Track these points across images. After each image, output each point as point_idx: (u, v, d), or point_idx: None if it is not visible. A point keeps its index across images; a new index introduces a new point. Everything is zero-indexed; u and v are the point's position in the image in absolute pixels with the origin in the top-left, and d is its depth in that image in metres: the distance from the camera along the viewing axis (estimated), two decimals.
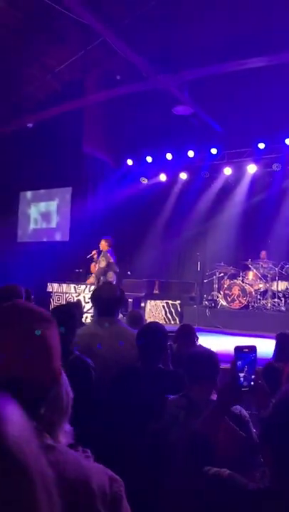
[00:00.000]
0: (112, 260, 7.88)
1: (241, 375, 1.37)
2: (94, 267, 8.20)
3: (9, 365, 0.86)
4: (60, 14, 8.04)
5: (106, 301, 2.79)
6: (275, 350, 3.52)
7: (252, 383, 1.38)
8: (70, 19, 7.98)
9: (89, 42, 9.28)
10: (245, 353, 1.39)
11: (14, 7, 8.37)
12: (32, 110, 10.73)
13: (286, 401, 1.07)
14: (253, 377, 1.39)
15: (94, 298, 2.92)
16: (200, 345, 2.11)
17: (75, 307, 3.65)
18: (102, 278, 7.88)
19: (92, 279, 8.07)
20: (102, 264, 7.82)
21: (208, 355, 1.96)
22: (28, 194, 12.73)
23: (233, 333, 8.11)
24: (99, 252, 8.23)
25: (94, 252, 8.33)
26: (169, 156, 10.89)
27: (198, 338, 3.65)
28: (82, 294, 9.37)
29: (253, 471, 1.21)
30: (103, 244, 8.12)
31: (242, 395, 1.39)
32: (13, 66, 10.14)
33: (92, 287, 8.98)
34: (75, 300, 9.23)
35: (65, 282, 9.73)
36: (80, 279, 10.19)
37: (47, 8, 8.15)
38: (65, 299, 9.50)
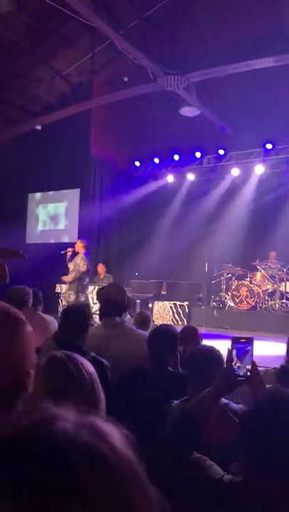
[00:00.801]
0: (88, 265, 7.77)
1: (237, 364, 1.40)
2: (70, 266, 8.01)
3: None
4: (68, 18, 8.12)
5: (114, 302, 2.81)
6: (287, 354, 3.51)
7: (248, 373, 1.41)
8: (78, 22, 8.06)
9: (97, 44, 9.35)
10: (242, 343, 1.42)
11: (23, 11, 8.45)
12: (41, 113, 10.83)
13: (269, 401, 1.11)
14: (249, 367, 1.41)
15: (101, 299, 2.92)
16: (203, 346, 2.10)
17: (88, 308, 3.69)
18: (79, 282, 7.72)
19: (69, 278, 7.86)
20: (83, 267, 7.62)
21: (211, 360, 1.92)
22: (37, 196, 12.81)
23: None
24: (74, 253, 8.05)
25: (69, 249, 8.13)
26: (176, 157, 10.91)
27: (202, 340, 3.65)
28: (89, 294, 9.40)
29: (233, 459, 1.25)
30: (79, 246, 7.79)
31: (237, 384, 1.41)
32: (22, 69, 10.25)
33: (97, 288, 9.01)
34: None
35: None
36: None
37: (55, 12, 8.23)
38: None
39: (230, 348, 1.42)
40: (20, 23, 8.94)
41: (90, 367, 1.23)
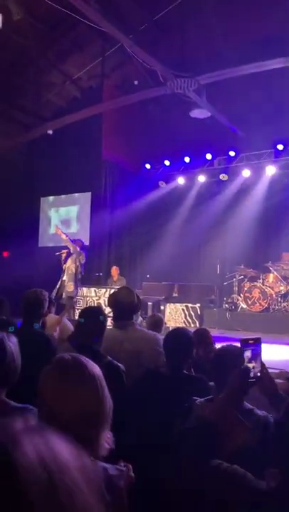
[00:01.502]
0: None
1: (248, 366, 1.40)
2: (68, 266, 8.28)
3: None
4: (78, 23, 8.19)
5: (124, 305, 2.83)
6: None
7: (258, 374, 1.41)
8: (88, 27, 8.13)
9: (107, 48, 9.42)
10: (251, 344, 1.42)
11: (34, 17, 8.56)
12: (52, 117, 10.93)
13: None
14: (259, 368, 1.41)
15: (112, 302, 2.95)
16: (228, 345, 2.09)
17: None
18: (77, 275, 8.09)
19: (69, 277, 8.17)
20: (83, 260, 8.17)
21: (236, 360, 1.92)
22: (49, 199, 12.94)
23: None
24: (68, 254, 8.34)
25: (64, 251, 8.42)
26: (187, 159, 10.92)
27: (214, 342, 3.64)
28: (102, 297, 9.45)
29: (261, 466, 1.23)
30: (75, 246, 8.27)
31: (249, 385, 1.41)
32: (33, 74, 10.37)
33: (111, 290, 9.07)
34: (95, 303, 9.33)
35: (85, 286, 9.84)
36: (100, 282, 10.29)
37: (65, 18, 8.32)
38: (86, 303, 9.61)
39: (239, 352, 1.42)
40: (31, 29, 9.06)
41: (95, 369, 1.24)
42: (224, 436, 1.33)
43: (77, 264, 8.14)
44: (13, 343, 1.67)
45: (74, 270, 8.07)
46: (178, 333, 2.54)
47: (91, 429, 1.13)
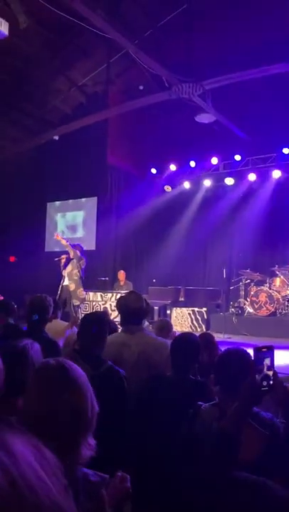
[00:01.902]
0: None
1: (261, 374, 1.39)
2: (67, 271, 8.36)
3: None
4: (83, 29, 8.26)
5: (132, 309, 2.84)
6: None
7: (271, 382, 1.39)
8: (93, 34, 8.19)
9: (112, 54, 9.48)
10: (264, 353, 1.41)
11: (41, 25, 8.65)
12: (58, 123, 11.01)
13: None
14: (271, 376, 1.40)
15: (120, 307, 2.96)
16: (233, 348, 2.08)
17: (106, 316, 3.73)
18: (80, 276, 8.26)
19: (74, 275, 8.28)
20: (83, 264, 8.23)
21: (241, 363, 1.86)
22: (55, 204, 13.00)
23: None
24: (68, 260, 8.40)
25: (63, 256, 8.48)
26: (192, 164, 10.94)
27: (218, 347, 3.64)
28: (108, 301, 9.46)
29: (276, 473, 1.23)
30: (75, 251, 8.38)
31: (262, 394, 1.40)
32: (40, 81, 10.45)
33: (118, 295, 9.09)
34: (101, 308, 9.34)
35: (91, 290, 9.86)
36: (106, 287, 10.30)
37: (71, 25, 8.39)
38: (92, 307, 9.62)
39: (252, 358, 1.42)
40: (38, 36, 9.15)
41: (78, 373, 1.23)
42: (241, 446, 1.33)
43: (79, 269, 8.20)
44: (36, 350, 1.65)
45: (79, 275, 8.13)
46: (185, 338, 2.55)
47: (72, 433, 1.12)
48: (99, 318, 2.57)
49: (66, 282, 8.15)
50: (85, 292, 8.28)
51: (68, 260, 8.39)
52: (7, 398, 1.43)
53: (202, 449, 1.70)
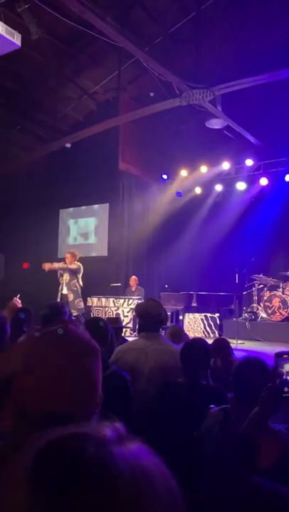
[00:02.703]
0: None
1: (281, 380, 1.39)
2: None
3: (53, 398, 0.84)
4: (94, 38, 8.36)
5: (154, 316, 2.89)
6: None
7: None
8: (103, 42, 8.29)
9: (122, 62, 9.57)
10: (285, 359, 1.41)
11: (52, 35, 8.78)
12: (70, 131, 11.13)
13: None
14: None
15: (140, 313, 3.01)
16: (250, 356, 2.07)
17: (113, 322, 3.75)
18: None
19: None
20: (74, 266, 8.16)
21: (260, 375, 1.83)
22: (68, 211, 13.12)
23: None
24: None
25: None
26: (203, 169, 10.94)
27: (233, 352, 3.63)
28: (120, 307, 9.49)
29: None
30: (70, 259, 8.26)
31: (282, 401, 1.40)
32: (51, 89, 10.60)
33: (134, 302, 9.12)
34: (114, 314, 9.36)
35: (104, 296, 9.90)
36: (118, 292, 10.33)
37: (82, 34, 8.51)
38: (105, 313, 9.65)
39: (273, 364, 1.42)
40: (49, 46, 9.29)
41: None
42: (260, 451, 1.33)
43: (78, 280, 8.13)
44: None
45: (78, 286, 8.08)
46: (194, 344, 2.57)
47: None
48: (100, 323, 2.61)
49: (65, 291, 8.10)
50: (83, 303, 8.25)
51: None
52: None
53: (205, 448, 1.70)
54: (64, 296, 8.04)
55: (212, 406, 1.92)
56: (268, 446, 1.44)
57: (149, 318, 2.91)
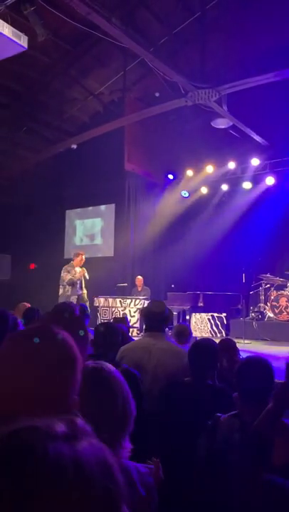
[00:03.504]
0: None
1: None
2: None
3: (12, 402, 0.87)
4: (99, 39, 8.39)
5: (155, 315, 2.93)
6: None
7: None
8: (109, 43, 8.31)
9: (128, 63, 9.59)
10: None
11: (58, 37, 8.82)
12: (76, 132, 11.17)
13: None
14: None
15: (144, 314, 3.08)
16: (253, 357, 2.07)
17: (120, 322, 3.77)
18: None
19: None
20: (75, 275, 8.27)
21: (262, 373, 1.86)
22: (74, 212, 13.15)
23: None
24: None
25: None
26: (209, 169, 10.93)
27: (239, 353, 3.63)
28: (127, 307, 9.51)
29: None
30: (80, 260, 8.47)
31: None
32: (57, 91, 10.64)
33: (141, 302, 9.15)
34: (121, 314, 9.38)
35: (110, 296, 9.92)
36: (125, 293, 10.35)
37: (87, 34, 8.53)
38: (112, 313, 9.67)
39: (288, 361, 1.42)
40: (54, 47, 9.33)
41: (114, 377, 1.30)
42: (273, 448, 1.33)
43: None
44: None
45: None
46: (203, 344, 2.57)
47: (117, 429, 1.18)
48: (110, 326, 2.68)
49: (83, 291, 8.33)
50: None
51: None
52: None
53: (224, 461, 1.69)
54: (82, 296, 8.22)
55: (219, 414, 1.91)
56: (281, 443, 1.44)
57: (152, 317, 2.97)
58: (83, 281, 8.35)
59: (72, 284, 8.15)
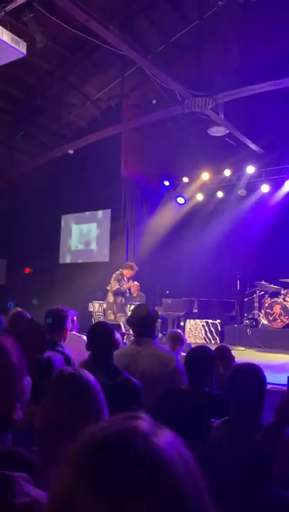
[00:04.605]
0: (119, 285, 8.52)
1: None
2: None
3: None
4: (97, 46, 8.45)
5: (137, 320, 2.92)
6: None
7: None
8: (107, 49, 8.38)
9: (126, 69, 9.67)
10: None
11: (57, 43, 8.87)
12: (73, 137, 11.21)
13: None
14: None
15: (130, 321, 3.06)
16: (244, 364, 2.09)
17: (116, 330, 3.77)
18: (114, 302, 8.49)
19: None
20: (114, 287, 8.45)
21: (253, 380, 1.89)
22: (70, 217, 13.16)
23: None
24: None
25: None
26: (205, 176, 10.99)
27: (234, 360, 3.64)
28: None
29: None
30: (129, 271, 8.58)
31: None
32: (55, 96, 10.69)
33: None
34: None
35: (105, 302, 9.90)
36: None
37: (86, 41, 8.60)
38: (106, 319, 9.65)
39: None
40: (53, 53, 9.38)
41: (89, 384, 1.30)
42: (275, 461, 1.34)
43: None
44: (58, 361, 1.69)
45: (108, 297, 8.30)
46: (199, 351, 2.58)
47: None
48: (103, 329, 2.65)
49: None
50: (113, 316, 8.48)
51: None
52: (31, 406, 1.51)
53: (213, 464, 1.71)
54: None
55: (213, 420, 1.93)
56: (283, 456, 1.44)
57: (137, 323, 2.94)
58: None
59: (118, 293, 8.21)
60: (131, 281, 8.42)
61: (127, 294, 8.26)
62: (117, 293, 8.12)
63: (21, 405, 1.26)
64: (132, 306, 9.32)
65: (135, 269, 8.54)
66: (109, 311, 8.22)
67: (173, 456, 0.50)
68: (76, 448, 0.52)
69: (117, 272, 8.49)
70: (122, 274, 8.38)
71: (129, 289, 8.39)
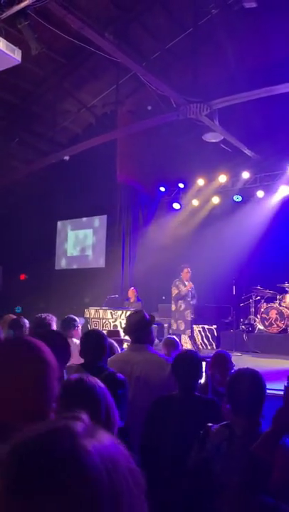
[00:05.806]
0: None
1: None
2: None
3: None
4: (93, 53, 8.49)
5: (135, 329, 2.93)
6: None
7: None
8: (102, 56, 8.42)
9: (121, 76, 9.71)
10: None
11: (52, 50, 8.91)
12: (68, 144, 11.23)
13: None
14: None
15: (126, 327, 3.09)
16: (244, 369, 2.09)
17: (114, 336, 3.77)
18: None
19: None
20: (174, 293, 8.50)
21: (252, 385, 1.88)
22: (66, 223, 13.16)
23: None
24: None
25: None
26: (200, 182, 11.03)
27: (234, 366, 3.62)
28: (118, 319, 9.48)
29: None
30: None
31: None
32: (50, 103, 10.72)
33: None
34: (111, 325, 9.36)
35: (101, 308, 9.89)
36: (116, 304, 10.33)
37: (81, 48, 8.63)
38: (102, 325, 9.64)
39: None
40: (48, 60, 9.42)
41: (96, 388, 1.33)
42: (272, 471, 1.33)
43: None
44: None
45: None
46: (186, 356, 2.60)
47: None
48: (96, 334, 2.71)
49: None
50: (176, 324, 8.49)
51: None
52: None
53: (213, 468, 1.70)
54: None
55: (210, 424, 1.92)
56: (280, 465, 1.43)
57: (132, 330, 2.95)
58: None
59: (180, 298, 8.21)
60: (189, 282, 8.47)
61: (188, 298, 8.30)
62: (178, 299, 8.23)
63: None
64: (129, 313, 9.33)
65: (186, 268, 8.60)
66: (172, 321, 8.33)
67: (97, 461, 0.49)
68: (7, 449, 0.51)
69: (175, 280, 8.60)
70: (180, 280, 8.47)
71: (190, 290, 8.38)
